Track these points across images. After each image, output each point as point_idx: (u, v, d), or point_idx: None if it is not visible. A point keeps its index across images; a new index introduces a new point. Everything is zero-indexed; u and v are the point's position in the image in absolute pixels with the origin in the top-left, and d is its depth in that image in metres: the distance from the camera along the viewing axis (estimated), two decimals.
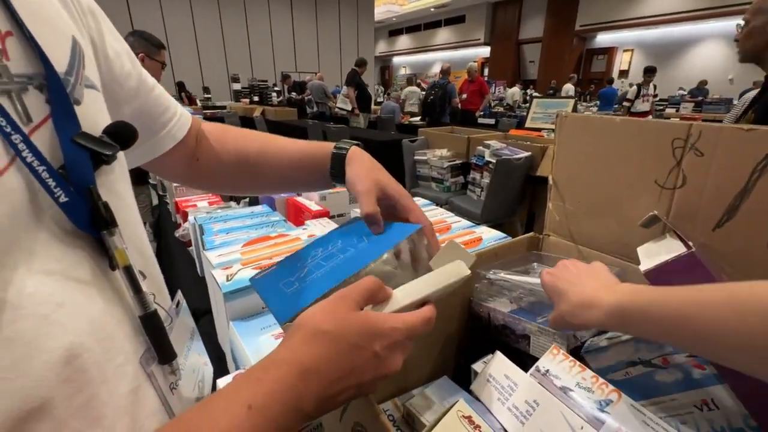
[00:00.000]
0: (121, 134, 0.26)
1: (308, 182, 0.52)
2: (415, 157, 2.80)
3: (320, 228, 0.94)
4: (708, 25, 9.13)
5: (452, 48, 15.53)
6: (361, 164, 0.45)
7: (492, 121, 5.86)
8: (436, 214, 0.99)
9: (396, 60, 18.93)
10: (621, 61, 11.25)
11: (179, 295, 0.35)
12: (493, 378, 0.38)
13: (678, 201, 0.48)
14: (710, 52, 9.39)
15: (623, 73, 11.13)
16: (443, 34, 15.66)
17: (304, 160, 0.48)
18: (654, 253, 0.45)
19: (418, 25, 16.49)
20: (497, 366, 0.39)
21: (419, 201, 1.15)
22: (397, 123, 5.41)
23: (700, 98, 7.37)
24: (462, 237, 0.82)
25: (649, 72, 5.47)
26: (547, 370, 0.40)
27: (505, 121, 5.25)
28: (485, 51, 14.33)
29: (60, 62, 0.24)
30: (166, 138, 0.43)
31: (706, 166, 0.44)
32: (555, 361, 0.40)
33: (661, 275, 0.42)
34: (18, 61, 0.22)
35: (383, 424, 0.28)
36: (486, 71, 13.95)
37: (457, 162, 2.62)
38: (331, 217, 1.09)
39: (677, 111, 7.26)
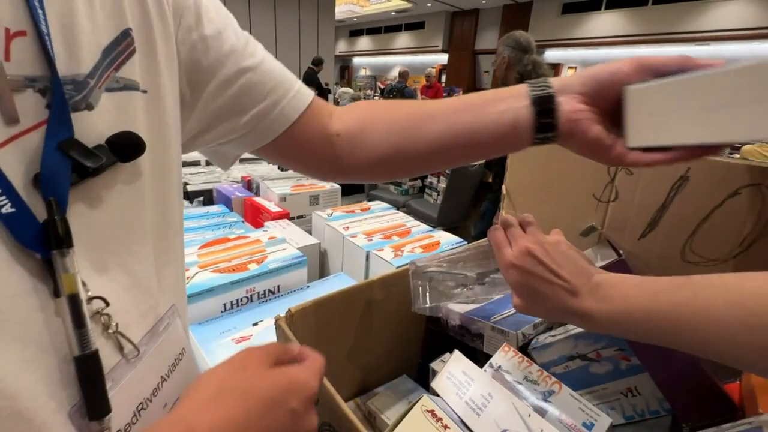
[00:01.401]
0: (124, 145, 0.24)
1: (488, 130, 0.36)
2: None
3: (280, 230, 0.94)
4: (642, 50, 10.13)
5: (412, 53, 15.82)
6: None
7: None
8: (396, 219, 1.02)
9: (356, 60, 18.92)
10: (566, 76, 12.09)
11: (170, 311, 0.30)
12: (452, 375, 0.41)
13: (611, 213, 0.54)
14: None
15: None
16: (403, 39, 15.91)
17: (486, 101, 0.37)
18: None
19: (379, 28, 16.62)
20: (455, 364, 0.42)
21: (378, 204, 1.18)
22: None
23: None
24: (421, 241, 0.86)
25: None
26: (500, 366, 0.44)
27: None
28: (443, 58, 14.77)
29: (85, 63, 0.23)
30: (277, 120, 0.37)
31: (634, 183, 0.51)
32: (506, 357, 0.44)
33: None
34: (22, 62, 0.20)
35: (352, 423, 0.30)
36: (444, 78, 14.38)
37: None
38: (291, 219, 1.08)
39: None
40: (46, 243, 0.21)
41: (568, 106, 0.33)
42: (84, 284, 0.22)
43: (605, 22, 10.29)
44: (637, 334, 0.32)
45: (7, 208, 0.19)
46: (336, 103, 6.54)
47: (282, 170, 1.52)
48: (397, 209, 1.14)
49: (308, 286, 0.74)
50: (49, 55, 0.21)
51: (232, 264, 0.69)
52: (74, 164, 0.22)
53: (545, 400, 0.40)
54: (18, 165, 0.20)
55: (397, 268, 0.59)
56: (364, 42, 17.59)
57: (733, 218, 0.44)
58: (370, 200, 1.24)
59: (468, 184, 2.41)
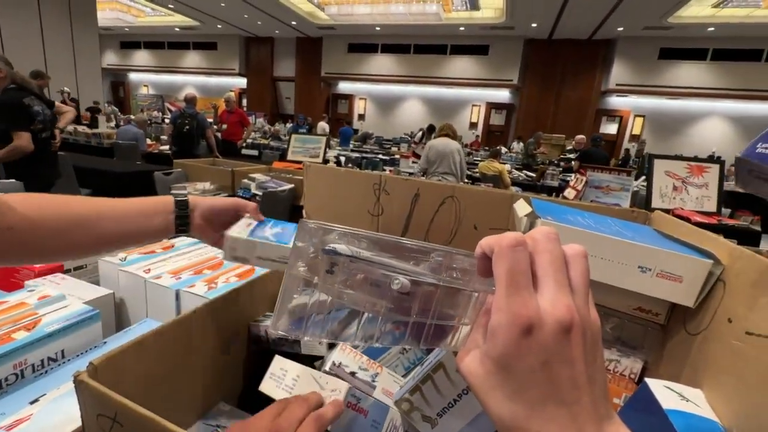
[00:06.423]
0: None
1: (147, 232, 0.54)
2: (172, 192, 2.55)
3: (54, 286, 0.78)
4: (410, 88, 12.62)
5: (205, 73, 14.78)
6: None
7: (255, 153, 5.99)
8: (205, 252, 1.00)
9: (134, 76, 16.22)
10: (358, 106, 13.82)
11: None
12: (273, 374, 0.48)
13: (381, 224, 0.73)
14: (413, 109, 12.97)
15: (361, 117, 13.70)
16: (194, 58, 14.69)
17: (144, 211, 0.53)
18: None
19: (161, 43, 14.82)
20: (276, 365, 0.50)
21: (184, 240, 1.11)
22: (143, 152, 4.71)
23: (413, 142, 10.02)
24: (236, 270, 0.88)
25: (430, 130, 7.05)
26: (340, 362, 0.53)
27: (268, 153, 5.48)
28: (242, 82, 14.41)
29: None
30: None
31: (392, 200, 0.71)
32: (344, 354, 0.54)
33: None
34: None
35: None
36: (245, 102, 14.03)
37: (223, 195, 2.57)
38: (67, 271, 0.90)
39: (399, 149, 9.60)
40: None
41: (196, 221, 0.57)
42: None
43: (382, 62, 12.37)
44: None
45: None
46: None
47: None
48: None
49: (105, 342, 0.66)
50: None
51: None
52: None
53: (373, 380, 0.53)
54: None
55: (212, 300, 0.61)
56: (142, 56, 15.28)
57: (446, 217, 0.68)
58: (173, 236, 1.15)
59: (280, 208, 2.48)
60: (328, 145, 4.89)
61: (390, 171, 4.88)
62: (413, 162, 5.13)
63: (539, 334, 0.19)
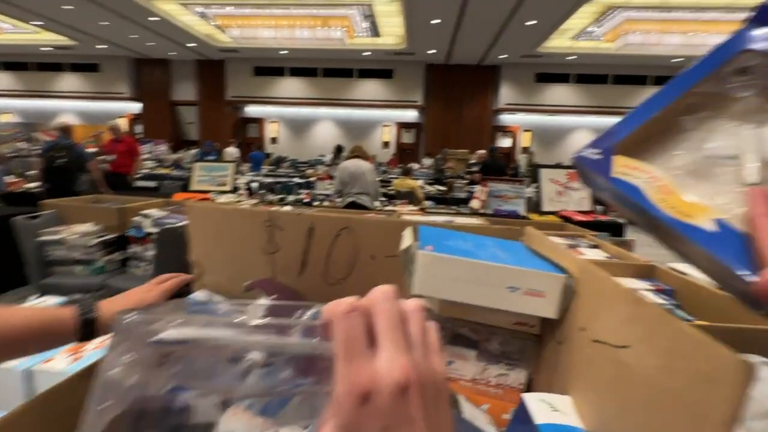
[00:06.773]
0: None
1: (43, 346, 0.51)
2: (42, 239, 2.16)
3: None
4: (321, 110, 12.71)
5: (88, 98, 13.06)
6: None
7: (154, 184, 5.41)
8: None
9: None
10: (270, 130, 13.43)
11: None
12: None
13: (278, 261, 0.69)
14: (327, 130, 13.05)
15: (274, 140, 13.32)
16: (72, 81, 12.92)
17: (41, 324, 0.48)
18: None
19: (24, 63, 12.78)
20: None
21: (52, 300, 0.93)
22: (1, 192, 3.95)
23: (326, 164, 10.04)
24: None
25: (338, 150, 7.09)
26: (233, 431, 0.47)
27: (168, 184, 5.00)
28: (137, 107, 13.05)
29: None
30: None
31: (286, 236, 0.68)
32: (236, 419, 0.48)
33: None
34: None
35: None
36: (141, 128, 12.70)
37: (110, 237, 2.25)
38: None
39: (314, 171, 9.53)
40: None
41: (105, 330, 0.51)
42: None
43: (291, 85, 12.27)
44: None
45: None
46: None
47: None
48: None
49: None
50: None
51: None
52: None
53: None
54: None
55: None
56: (1, 79, 12.94)
57: (344, 249, 0.67)
58: (42, 294, 0.96)
59: (181, 244, 2.25)
60: (237, 172, 4.61)
61: (307, 194, 4.79)
62: (329, 184, 5.12)
63: (377, 399, 0.19)
